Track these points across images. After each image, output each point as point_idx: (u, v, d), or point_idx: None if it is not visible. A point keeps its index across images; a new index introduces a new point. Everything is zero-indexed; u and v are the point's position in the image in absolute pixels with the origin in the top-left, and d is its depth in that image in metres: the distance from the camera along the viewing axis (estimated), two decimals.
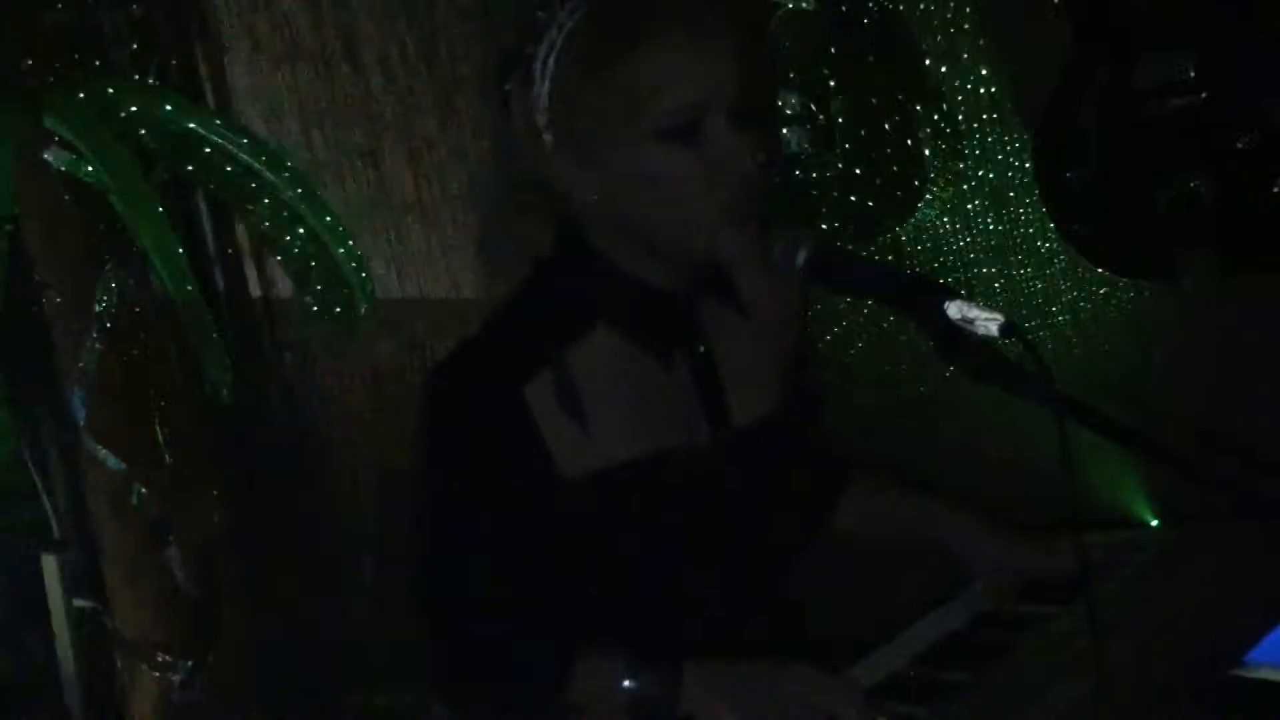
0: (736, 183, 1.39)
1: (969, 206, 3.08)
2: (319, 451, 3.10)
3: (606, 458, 1.44)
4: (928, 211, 3.10)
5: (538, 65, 1.41)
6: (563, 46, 1.40)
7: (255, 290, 3.06)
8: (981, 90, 2.99)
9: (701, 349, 1.53)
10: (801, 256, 1.39)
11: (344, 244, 2.78)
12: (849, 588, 2.10)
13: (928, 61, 2.99)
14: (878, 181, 2.97)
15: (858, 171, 2.95)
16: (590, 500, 1.44)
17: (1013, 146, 3.00)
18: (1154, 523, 2.90)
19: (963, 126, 3.02)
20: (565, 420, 1.42)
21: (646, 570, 1.48)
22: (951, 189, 3.08)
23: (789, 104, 2.96)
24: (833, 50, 2.93)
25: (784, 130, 2.94)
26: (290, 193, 2.74)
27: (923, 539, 1.71)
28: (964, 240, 3.09)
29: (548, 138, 1.43)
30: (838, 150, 2.96)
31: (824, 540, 1.74)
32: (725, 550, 1.54)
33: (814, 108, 2.96)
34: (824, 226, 2.97)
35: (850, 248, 2.93)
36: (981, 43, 2.96)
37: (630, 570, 1.48)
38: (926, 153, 3.03)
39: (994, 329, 1.24)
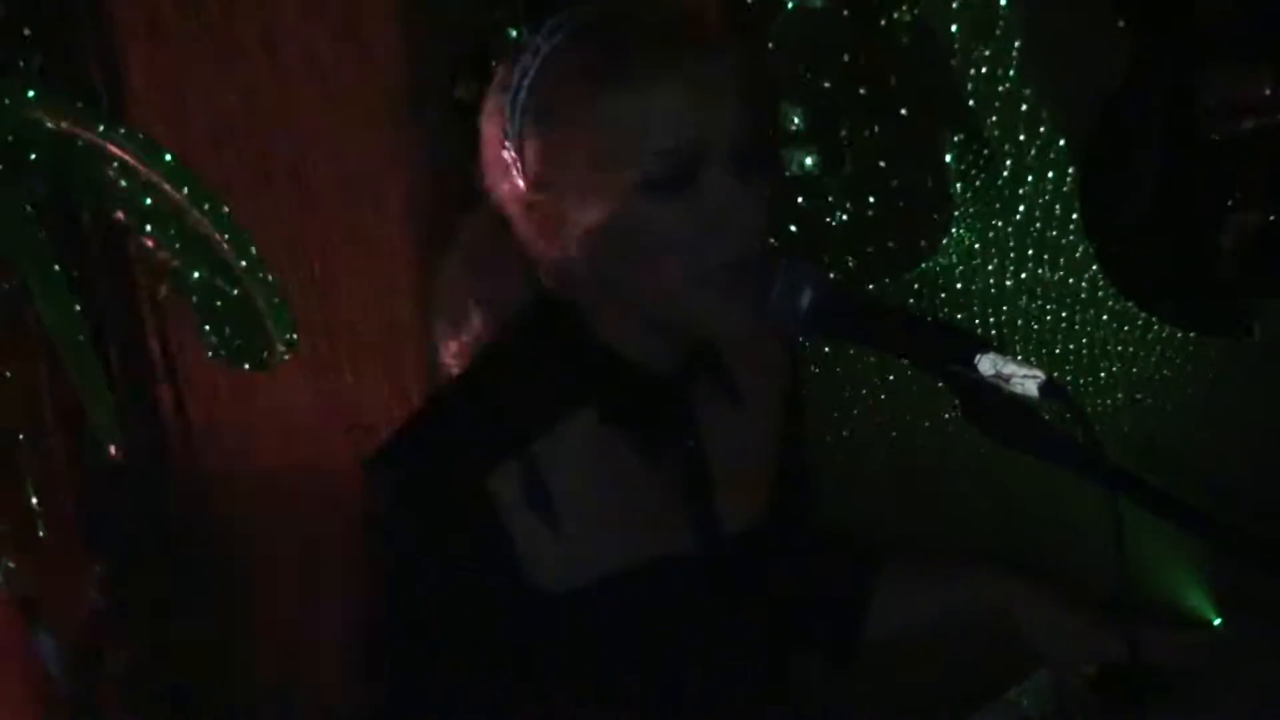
0: (735, 241, 1.40)
1: (1002, 243, 3.11)
2: (225, 521, 3.10)
3: (581, 568, 1.45)
4: (953, 248, 3.13)
5: (508, 95, 1.42)
6: (537, 74, 1.41)
7: (150, 329, 3.07)
8: (1020, 108, 3.02)
9: (691, 442, 1.55)
10: (804, 300, 1.40)
11: (261, 277, 2.80)
12: (885, 677, 2.10)
13: (957, 72, 3.04)
14: (895, 211, 3.00)
15: (871, 199, 2.98)
16: (563, 614, 1.45)
17: (1055, 173, 3.04)
18: (1215, 621, 2.92)
19: (996, 149, 3.05)
20: (533, 520, 1.43)
21: (632, 703, 1.50)
22: (982, 222, 3.11)
23: (791, 118, 2.99)
24: (846, 57, 2.97)
25: (785, 149, 2.97)
26: (197, 214, 2.76)
27: (983, 620, 1.71)
28: (996, 283, 3.12)
29: (517, 178, 1.44)
30: (848, 174, 3.00)
31: (857, 660, 1.75)
32: (730, 681, 1.56)
33: (821, 123, 3.00)
34: (831, 264, 3.00)
35: (864, 288, 2.97)
36: (1021, 53, 3.00)
37: (613, 702, 1.49)
38: (953, 179, 3.06)
39: (1033, 388, 1.25)
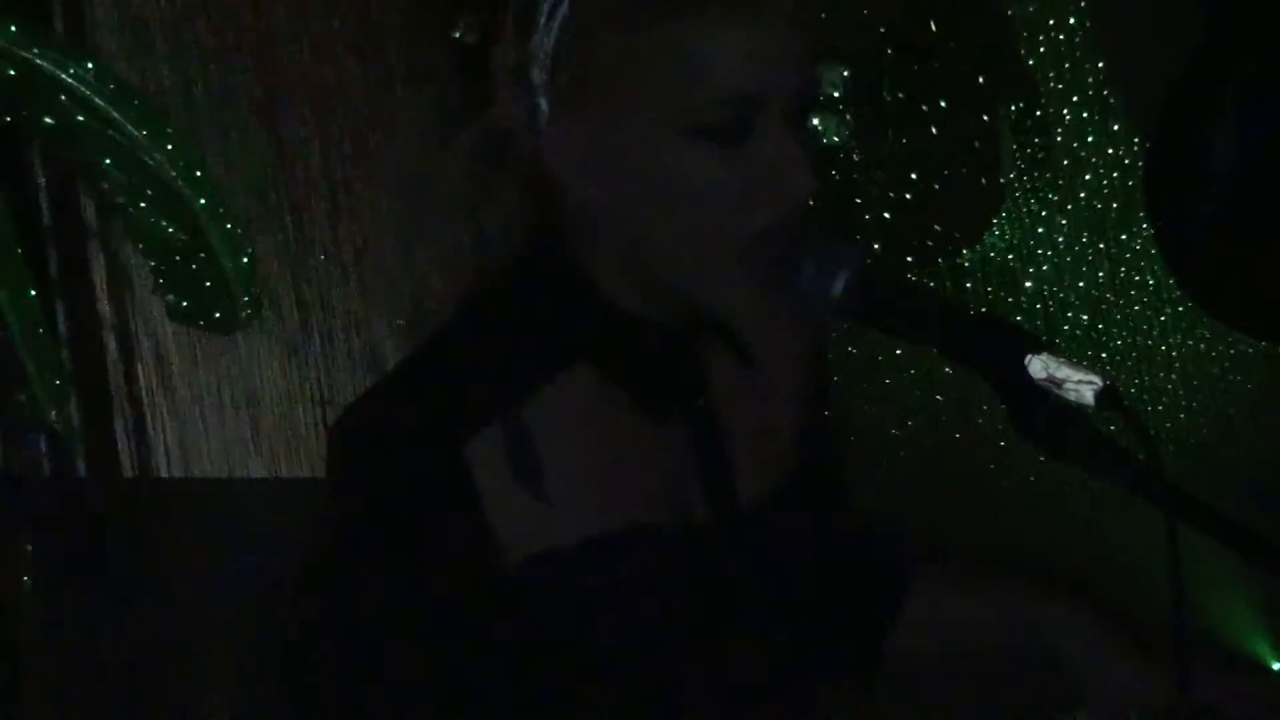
0: (782, 207, 1.39)
1: (1058, 231, 3.10)
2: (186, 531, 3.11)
3: (569, 535, 1.45)
4: (1004, 233, 3.13)
5: (546, 2, 1.40)
6: None
7: (101, 288, 3.08)
8: (1084, 82, 3.02)
9: (700, 403, 1.54)
10: (839, 283, 1.39)
11: (227, 232, 2.79)
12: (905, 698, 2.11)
13: (1017, 39, 3.03)
14: (941, 189, 3.00)
15: (914, 176, 2.98)
16: (547, 595, 1.45)
17: (1118, 157, 3.03)
18: (1276, 666, 2.93)
19: (1055, 126, 3.05)
20: (518, 492, 1.42)
21: (618, 694, 1.50)
22: (1036, 205, 3.11)
23: (828, 80, 2.98)
24: (891, 13, 2.97)
25: (819, 117, 2.97)
26: (158, 157, 2.75)
27: (1019, 646, 1.70)
28: (1050, 274, 3.12)
29: (542, 103, 1.42)
30: (890, 145, 2.99)
31: (881, 670, 1.75)
32: (730, 674, 1.56)
33: (860, 88, 2.99)
34: (869, 244, 3.00)
35: (903, 275, 2.96)
36: (1086, 24, 2.99)
37: (597, 693, 1.49)
38: (1006, 158, 3.06)
39: (1089, 395, 1.25)
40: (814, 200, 1.42)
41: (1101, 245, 3.11)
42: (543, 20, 1.41)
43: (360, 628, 1.46)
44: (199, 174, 2.75)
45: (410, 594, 1.43)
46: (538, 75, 1.42)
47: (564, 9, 1.40)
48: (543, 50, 1.41)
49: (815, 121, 3.00)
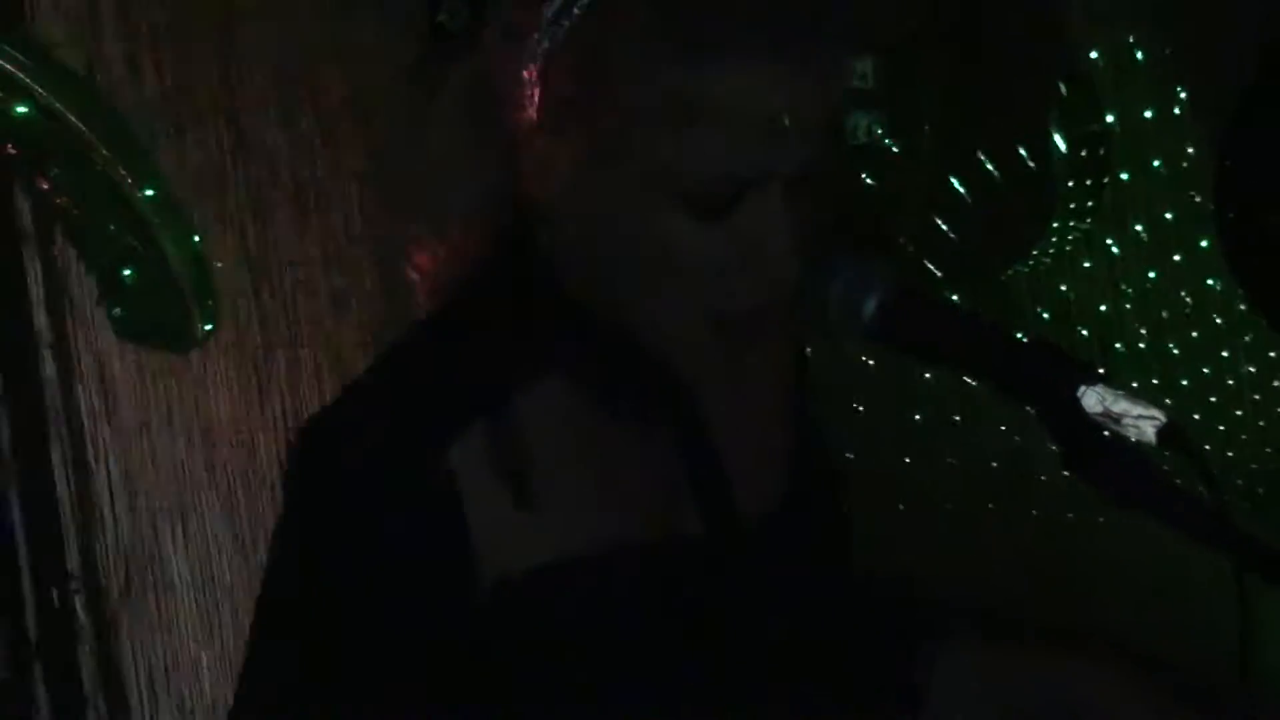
0: (763, 290, 1.41)
1: (1115, 246, 3.11)
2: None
3: (557, 547, 1.46)
4: (1054, 247, 3.13)
5: (554, 4, 1.40)
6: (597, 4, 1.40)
7: (37, 299, 3.08)
8: (1146, 84, 3.02)
9: (692, 412, 1.56)
10: (870, 304, 1.40)
11: (181, 236, 2.80)
12: None
13: (1071, 29, 3.02)
14: (984, 196, 3.00)
15: (954, 180, 2.98)
16: (534, 614, 1.45)
17: (1185, 166, 3.04)
18: None
19: (1115, 131, 3.05)
20: (503, 505, 1.43)
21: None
22: (1092, 218, 3.11)
23: (858, 74, 2.98)
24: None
25: (849, 112, 2.97)
26: (105, 151, 2.75)
27: (1041, 710, 1.70)
28: (1106, 294, 3.12)
29: (531, 105, 1.44)
30: (926, 145, 3.00)
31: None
32: (729, 703, 1.56)
33: (895, 79, 3.00)
34: (901, 261, 2.99)
35: (941, 294, 2.96)
36: (1151, 18, 2.99)
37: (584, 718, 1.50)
38: (1059, 160, 3.06)
39: (1149, 431, 1.26)
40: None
41: (1164, 262, 3.11)
42: (547, 22, 1.43)
43: (327, 652, 1.46)
44: (149, 171, 2.75)
45: (382, 615, 1.44)
46: (535, 70, 1.43)
47: (578, 19, 1.41)
48: (541, 51, 1.42)
49: (847, 117, 3.00)
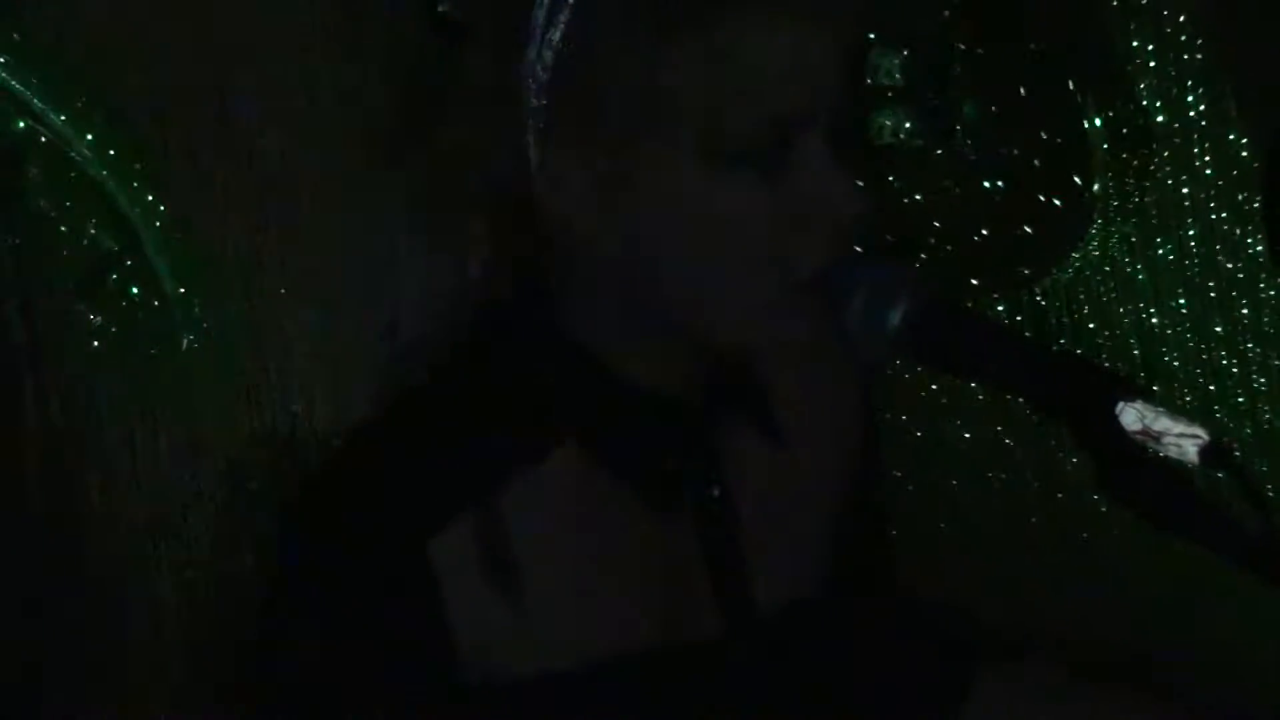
0: (831, 244, 1.39)
1: (1158, 251, 3.10)
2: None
3: (551, 654, 1.44)
4: (1094, 256, 3.12)
5: (542, 8, 1.39)
6: None
7: (12, 302, 3.08)
8: (1190, 78, 3.02)
9: (715, 491, 1.54)
10: (895, 315, 1.40)
11: (168, 240, 2.79)
12: None
13: (1111, 21, 3.02)
14: (1020, 200, 2.99)
15: (988, 184, 2.97)
16: None
17: (1231, 167, 3.03)
18: None
19: (1158, 126, 3.05)
20: (490, 597, 1.42)
21: None
22: (1134, 221, 3.10)
23: (884, 69, 2.99)
24: None
25: (873, 112, 2.96)
26: (85, 151, 2.74)
27: None
28: (1149, 305, 3.11)
29: (537, 123, 1.42)
30: (958, 146, 2.99)
31: None
32: None
33: (924, 75, 2.99)
34: (930, 269, 2.99)
35: (972, 304, 2.96)
36: (1199, 11, 2.99)
37: None
38: (1099, 161, 3.05)
39: (1192, 451, 1.26)
40: (866, 218, 1.42)
41: (1214, 268, 3.10)
42: (540, 29, 1.41)
43: None
44: (133, 169, 2.74)
45: (367, 706, 1.43)
46: (535, 84, 1.41)
47: (566, 15, 1.40)
48: (539, 66, 1.40)
49: (871, 117, 2.99)
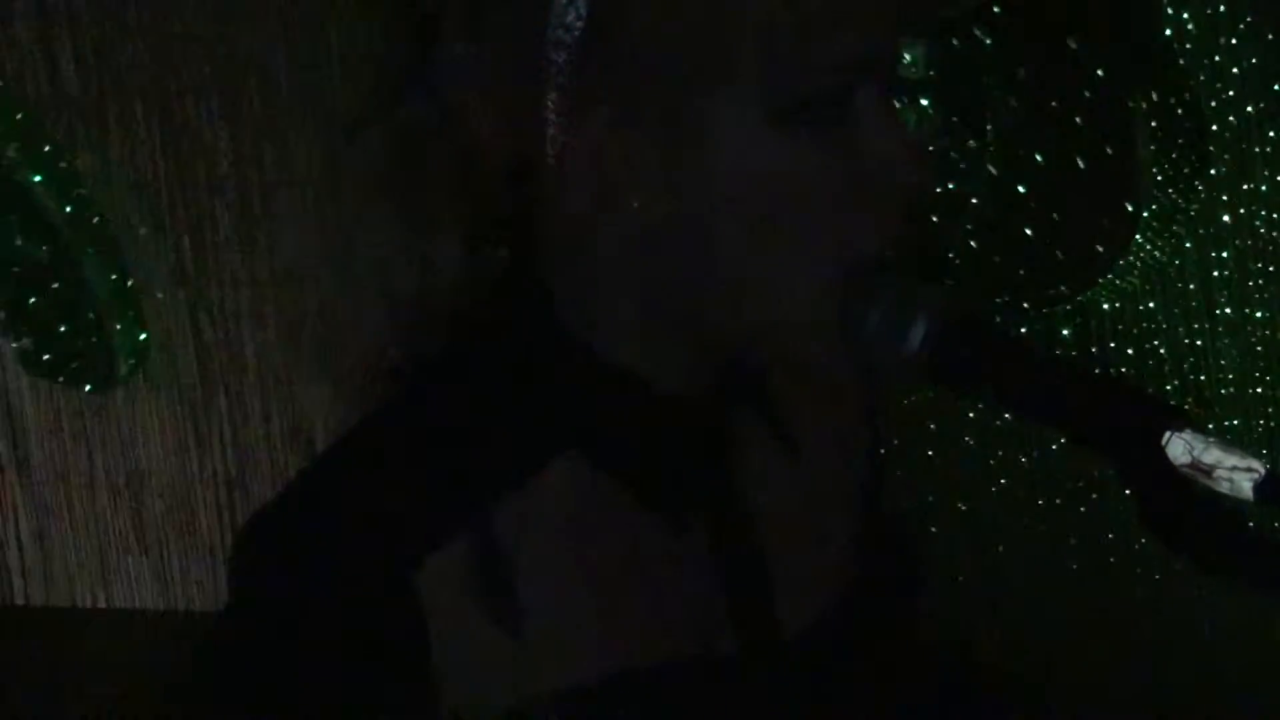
0: (889, 210, 1.38)
1: (1213, 269, 3.12)
2: None
3: (552, 683, 1.44)
4: (1138, 269, 3.14)
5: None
6: None
7: None
8: (1246, 83, 3.03)
9: (730, 500, 1.54)
10: (916, 335, 1.39)
11: (105, 256, 2.81)
12: None
13: (1159, 14, 3.04)
14: (1055, 207, 3.01)
15: (1021, 189, 2.99)
16: None
17: None
18: None
19: (1211, 136, 3.06)
20: (486, 630, 1.42)
21: None
22: (1182, 233, 3.12)
23: (904, 61, 3.01)
24: None
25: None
26: (11, 155, 2.77)
27: None
28: (1199, 324, 3.13)
29: (560, 89, 1.40)
30: (987, 147, 3.01)
31: None
32: None
33: (950, 67, 3.01)
34: (956, 283, 3.00)
35: (1002, 323, 2.97)
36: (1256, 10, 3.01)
37: None
38: (1145, 167, 3.07)
39: (1246, 486, 1.25)
40: (927, 191, 1.42)
41: (1273, 279, 3.12)
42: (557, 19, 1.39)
43: None
44: (66, 177, 2.76)
45: None
46: (553, 57, 1.39)
47: None
48: (560, 28, 1.39)
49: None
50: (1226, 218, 3.11)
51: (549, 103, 1.38)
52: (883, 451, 1.71)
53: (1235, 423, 3.12)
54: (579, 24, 1.36)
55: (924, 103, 3.02)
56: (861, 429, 1.67)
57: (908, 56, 2.96)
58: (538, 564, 1.43)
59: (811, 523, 1.58)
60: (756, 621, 1.53)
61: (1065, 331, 3.20)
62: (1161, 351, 3.16)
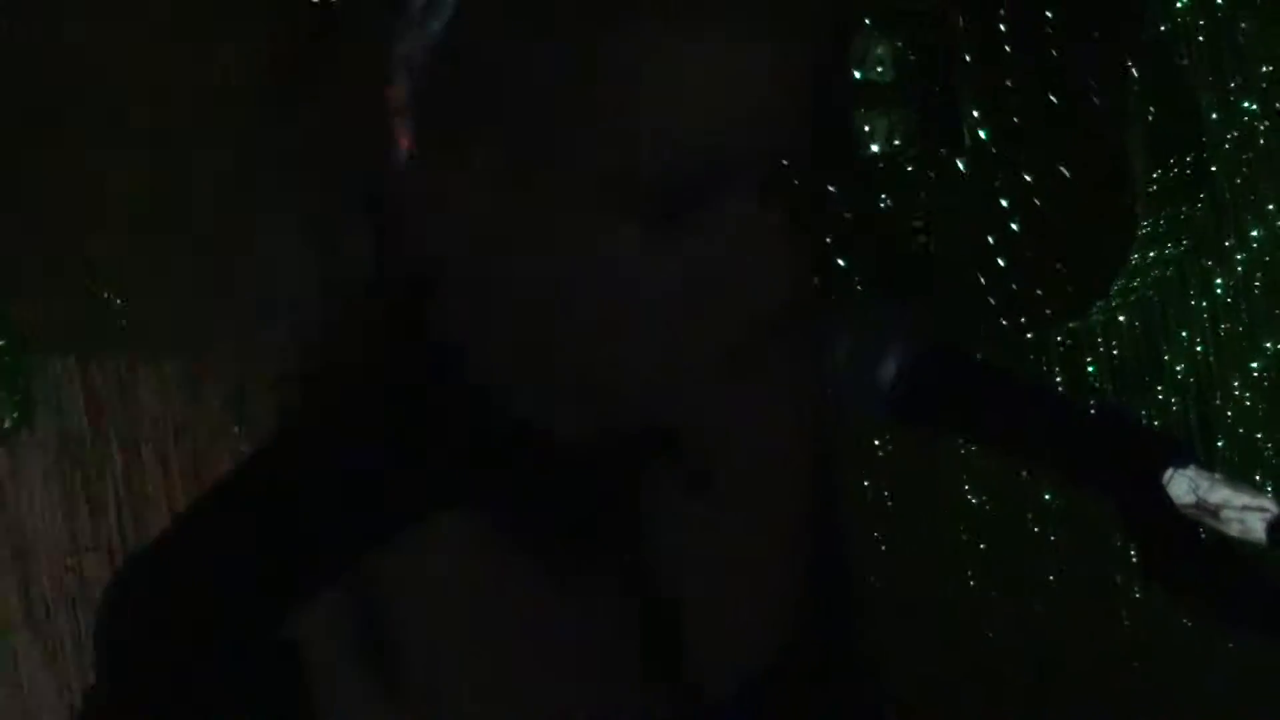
0: (753, 315, 1.38)
1: (1221, 288, 3.13)
2: None
3: None
4: (1136, 289, 3.16)
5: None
6: None
7: None
8: (1262, 74, 3.06)
9: (635, 555, 1.54)
10: (888, 370, 1.40)
11: None
12: None
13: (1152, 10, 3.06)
14: (1044, 224, 3.02)
15: (1005, 202, 3.00)
16: None
17: None
18: None
19: (1219, 137, 3.08)
20: (368, 700, 1.42)
21: None
22: (1183, 244, 3.14)
23: (873, 58, 3.01)
24: None
25: (861, 113, 2.99)
26: None
27: None
28: (1204, 348, 3.15)
29: (404, 122, 1.41)
30: (968, 154, 3.02)
31: None
32: None
33: (924, 68, 3.02)
34: (932, 310, 3.00)
35: (986, 353, 2.98)
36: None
37: None
38: (1142, 176, 3.09)
39: (1258, 527, 1.25)
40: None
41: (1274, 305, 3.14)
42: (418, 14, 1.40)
43: None
44: None
45: None
46: (402, 76, 1.40)
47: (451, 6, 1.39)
48: (417, 54, 1.40)
49: (858, 119, 3.02)
50: (1228, 237, 3.14)
51: (396, 121, 1.39)
52: (832, 502, 1.71)
53: (1240, 457, 3.14)
54: (429, 38, 1.37)
55: (895, 109, 3.03)
56: (801, 480, 1.67)
57: (879, 50, 2.97)
58: (423, 626, 1.43)
59: (733, 583, 1.58)
60: (673, 688, 1.54)
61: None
62: (1163, 378, 3.18)
